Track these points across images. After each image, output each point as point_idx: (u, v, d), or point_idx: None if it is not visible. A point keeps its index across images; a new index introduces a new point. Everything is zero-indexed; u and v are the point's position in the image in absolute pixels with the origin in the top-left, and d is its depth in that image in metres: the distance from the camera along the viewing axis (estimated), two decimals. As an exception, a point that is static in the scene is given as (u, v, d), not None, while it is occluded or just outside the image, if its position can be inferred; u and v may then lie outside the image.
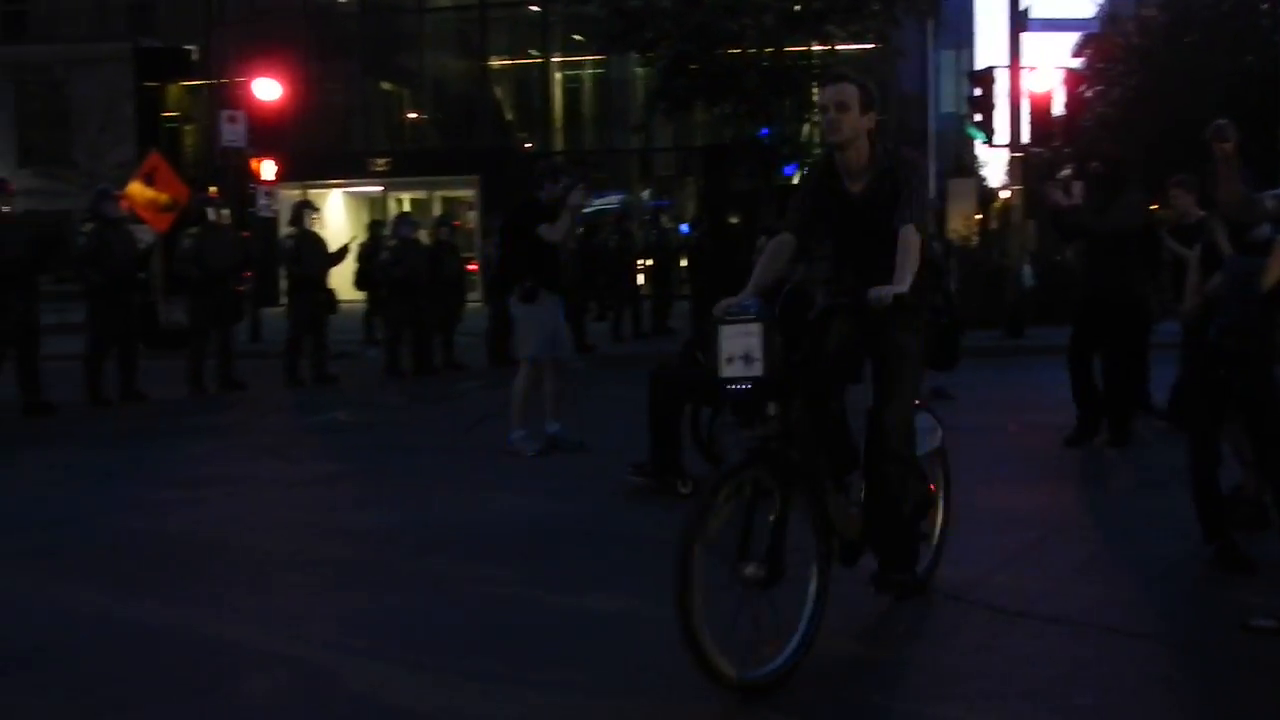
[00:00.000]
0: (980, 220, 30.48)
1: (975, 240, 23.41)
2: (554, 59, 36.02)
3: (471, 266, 22.68)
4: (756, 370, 4.16)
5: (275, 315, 18.82)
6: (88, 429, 11.14)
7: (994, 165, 48.98)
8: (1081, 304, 9.18)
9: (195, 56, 28.97)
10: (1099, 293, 8.86)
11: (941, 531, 5.37)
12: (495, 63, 36.59)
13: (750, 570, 4.07)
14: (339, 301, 15.07)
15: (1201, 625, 4.93)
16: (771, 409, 4.26)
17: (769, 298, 4.55)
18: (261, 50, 28.45)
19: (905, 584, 4.76)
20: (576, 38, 34.74)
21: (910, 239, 4.49)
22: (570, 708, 4.09)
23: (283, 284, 16.57)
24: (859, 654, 4.56)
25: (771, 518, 4.14)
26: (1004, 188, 35.72)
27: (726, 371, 4.23)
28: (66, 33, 37.37)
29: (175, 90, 36.92)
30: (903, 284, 4.36)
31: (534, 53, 36.14)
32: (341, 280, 15.78)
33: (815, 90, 24.42)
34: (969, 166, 40.59)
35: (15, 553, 6.44)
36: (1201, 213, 9.18)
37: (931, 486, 5.16)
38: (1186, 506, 5.70)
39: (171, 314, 18.39)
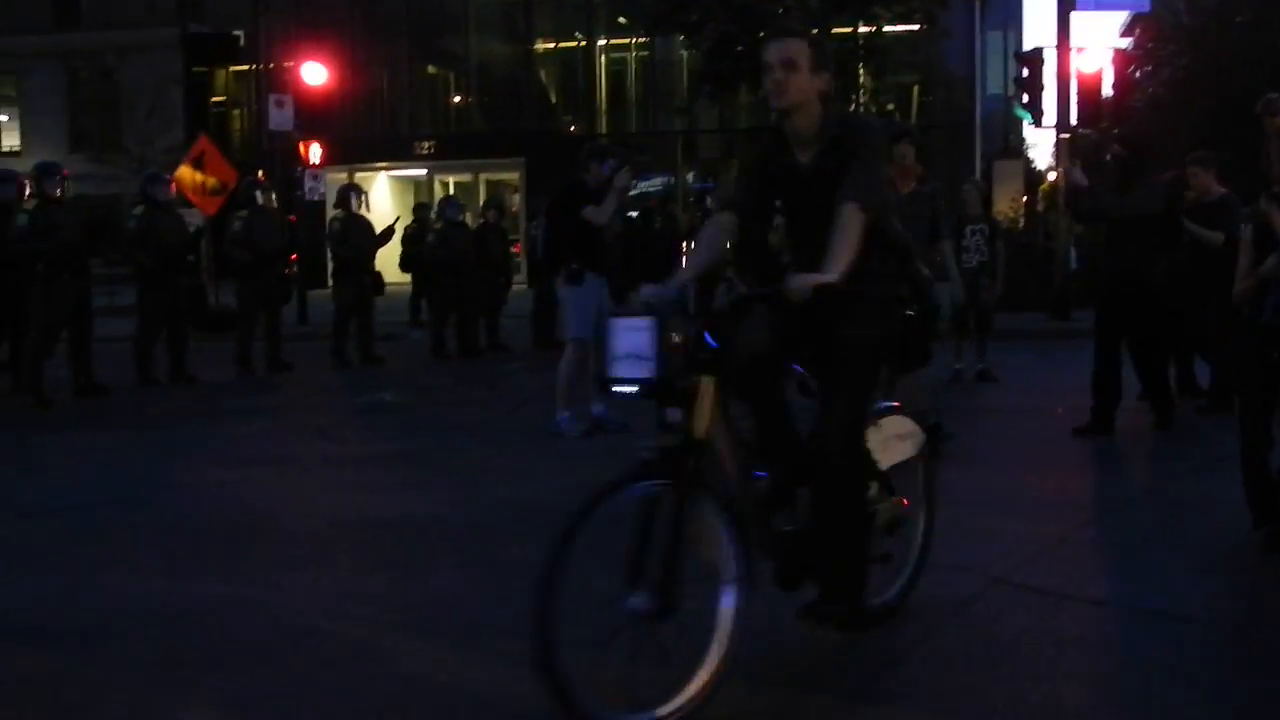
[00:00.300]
0: (1027, 202, 30.24)
1: (1021, 222, 23.25)
2: (599, 42, 36.04)
3: (516, 249, 22.77)
4: (645, 371, 3.65)
5: (322, 297, 18.98)
6: (138, 410, 11.28)
7: (1042, 147, 48.50)
8: (1101, 289, 9.03)
9: (243, 42, 29.22)
10: (1116, 277, 8.65)
11: (921, 552, 4.67)
12: (540, 46, 36.64)
13: (637, 601, 3.52)
14: (385, 284, 15.16)
15: (1251, 611, 4.88)
16: (674, 414, 3.72)
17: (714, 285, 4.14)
18: (308, 35, 28.63)
19: (843, 617, 4.12)
20: (621, 20, 34.74)
21: (849, 220, 3.90)
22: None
23: (329, 266, 16.69)
24: (902, 635, 4.54)
25: (666, 540, 3.58)
26: (1051, 169, 35.38)
27: (614, 371, 3.73)
28: (117, 20, 37.85)
29: (223, 75, 37.35)
30: (830, 272, 3.77)
31: (579, 35, 36.14)
32: (387, 263, 15.88)
33: (862, 73, 24.43)
34: (1016, 148, 40.17)
35: (67, 532, 6.54)
36: (1222, 190, 9.06)
37: (904, 501, 4.49)
38: (1235, 490, 5.65)
39: (221, 297, 18.58)
